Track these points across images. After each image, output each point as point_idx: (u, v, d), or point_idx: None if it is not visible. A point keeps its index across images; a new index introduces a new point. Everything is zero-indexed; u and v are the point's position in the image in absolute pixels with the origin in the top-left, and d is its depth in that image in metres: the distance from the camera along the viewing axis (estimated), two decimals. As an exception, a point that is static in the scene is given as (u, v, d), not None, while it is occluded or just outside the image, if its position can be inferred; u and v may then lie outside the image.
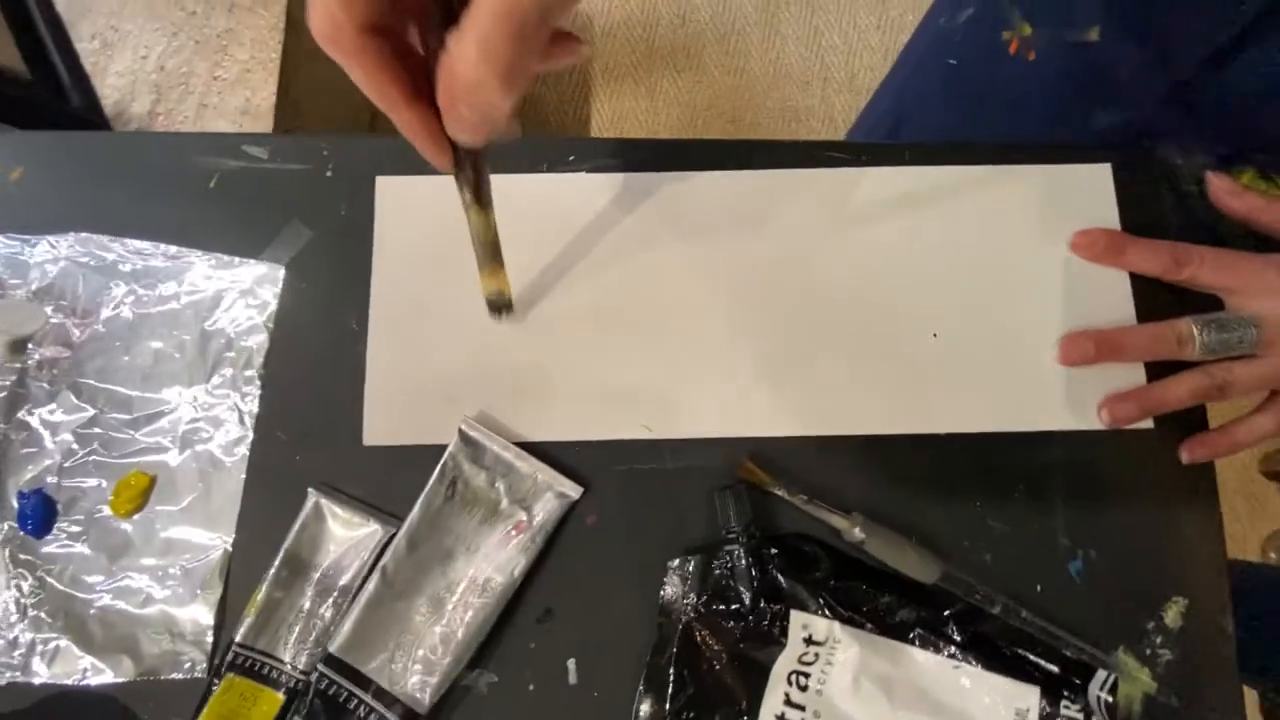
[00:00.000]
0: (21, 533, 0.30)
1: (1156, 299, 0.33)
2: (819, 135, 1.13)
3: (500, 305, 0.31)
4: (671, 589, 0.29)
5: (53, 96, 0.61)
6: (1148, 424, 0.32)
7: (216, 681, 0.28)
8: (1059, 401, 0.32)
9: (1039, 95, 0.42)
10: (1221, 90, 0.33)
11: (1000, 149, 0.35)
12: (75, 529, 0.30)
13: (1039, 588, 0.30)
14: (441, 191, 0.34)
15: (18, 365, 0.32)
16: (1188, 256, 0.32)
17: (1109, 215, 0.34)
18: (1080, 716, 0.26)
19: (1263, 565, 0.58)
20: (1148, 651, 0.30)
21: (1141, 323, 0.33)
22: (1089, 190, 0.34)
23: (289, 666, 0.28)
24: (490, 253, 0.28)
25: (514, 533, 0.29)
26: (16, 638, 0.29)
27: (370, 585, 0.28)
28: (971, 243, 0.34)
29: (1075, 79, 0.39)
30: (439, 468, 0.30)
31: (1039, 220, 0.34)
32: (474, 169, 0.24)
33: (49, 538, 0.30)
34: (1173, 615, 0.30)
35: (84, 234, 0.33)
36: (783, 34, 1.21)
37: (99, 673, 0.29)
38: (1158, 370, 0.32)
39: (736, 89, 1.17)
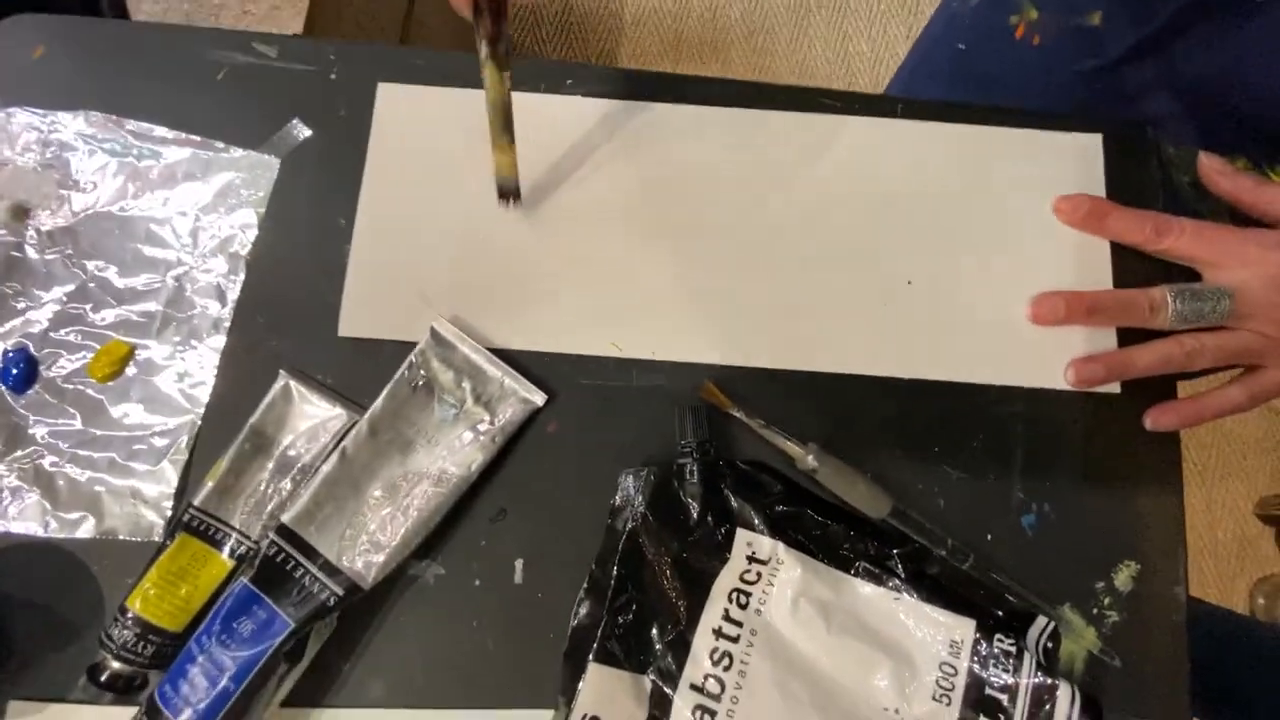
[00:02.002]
0: (2, 387, 0.31)
1: (1136, 269, 0.33)
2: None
3: (508, 190, 0.31)
4: (622, 496, 0.30)
5: (89, 16, 0.63)
6: (1114, 389, 0.32)
7: (170, 540, 0.28)
8: (1026, 359, 0.32)
9: (1043, 80, 0.42)
10: (1198, 60, 0.34)
11: (995, 112, 0.35)
12: (54, 389, 0.31)
13: (989, 537, 0.30)
14: (439, 102, 0.34)
15: (19, 230, 0.33)
16: (1168, 227, 0.32)
17: (1095, 185, 0.34)
18: (1013, 650, 0.26)
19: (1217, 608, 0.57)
20: (1094, 611, 0.30)
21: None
22: (1078, 158, 0.34)
23: (239, 534, 0.29)
24: (502, 120, 0.28)
25: (474, 431, 0.30)
26: (-14, 487, 0.30)
27: (329, 464, 0.29)
28: (956, 197, 0.34)
29: (1078, 64, 0.40)
30: (407, 361, 0.31)
31: (1025, 183, 0.34)
32: (492, 18, 0.24)
33: (28, 394, 0.31)
34: (1123, 578, 0.30)
35: (95, 113, 0.34)
36: (810, 36, 1.22)
37: (61, 528, 0.30)
38: (1130, 339, 0.32)
39: (759, 86, 1.18)
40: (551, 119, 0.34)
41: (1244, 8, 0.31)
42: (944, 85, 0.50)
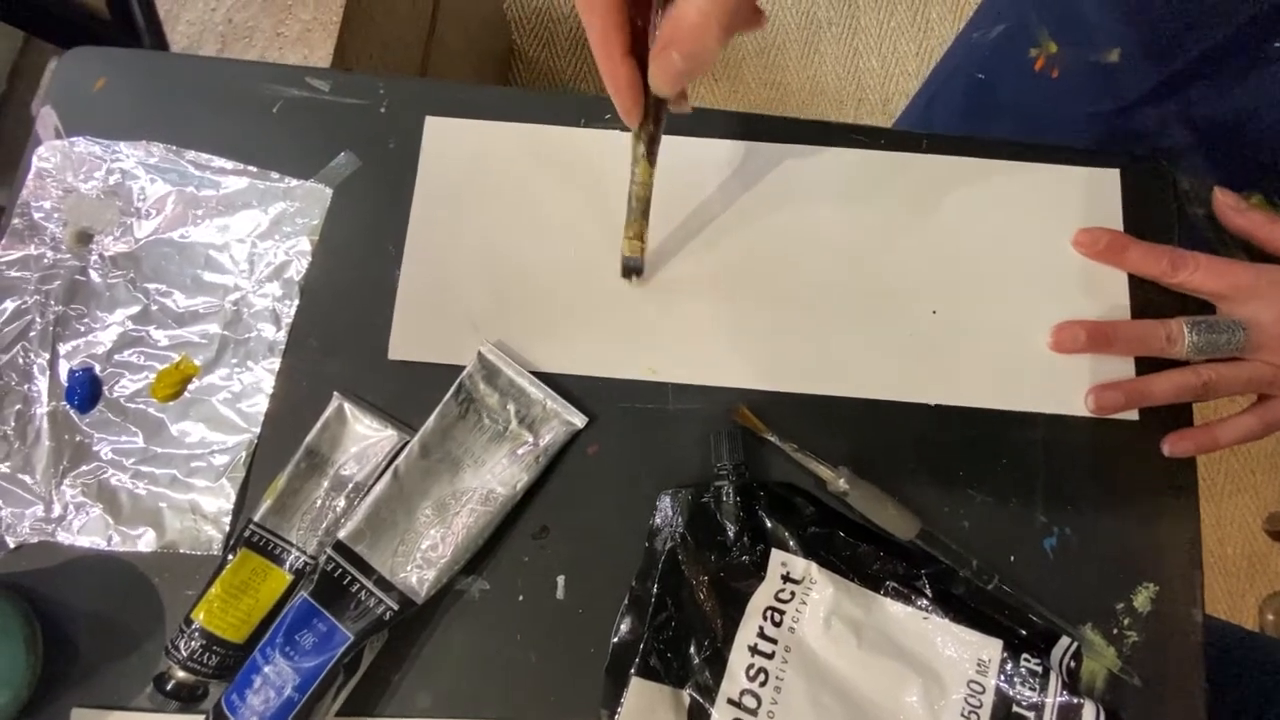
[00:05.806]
0: (67, 406, 0.33)
1: (1153, 300, 0.34)
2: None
3: (633, 267, 0.33)
4: (661, 517, 0.31)
5: (127, 37, 0.65)
6: (1132, 416, 0.33)
7: (232, 555, 0.30)
8: (1048, 385, 0.33)
9: (1059, 112, 0.43)
10: (1214, 102, 0.35)
11: (1015, 147, 0.37)
12: (117, 408, 0.33)
13: (1012, 558, 0.32)
14: (484, 135, 0.36)
15: (83, 255, 0.34)
16: (1183, 261, 0.33)
17: (1113, 218, 0.36)
18: (1039, 670, 0.28)
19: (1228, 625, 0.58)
20: (1114, 631, 0.31)
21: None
22: (1096, 192, 0.36)
23: (297, 550, 0.30)
24: (642, 209, 0.30)
25: (519, 452, 0.31)
26: (53, 502, 0.32)
27: (382, 483, 0.30)
28: (978, 230, 0.35)
29: (1094, 98, 0.41)
30: (456, 384, 0.32)
31: (1045, 215, 0.35)
32: (655, 123, 0.27)
33: (92, 413, 0.33)
34: (1142, 599, 0.31)
35: (155, 144, 0.36)
36: (821, 53, 1.24)
37: (124, 541, 0.31)
38: (1149, 368, 0.33)
39: (771, 101, 1.20)
40: (586, 152, 0.36)
41: (1262, 54, 0.32)
42: (962, 114, 0.52)
